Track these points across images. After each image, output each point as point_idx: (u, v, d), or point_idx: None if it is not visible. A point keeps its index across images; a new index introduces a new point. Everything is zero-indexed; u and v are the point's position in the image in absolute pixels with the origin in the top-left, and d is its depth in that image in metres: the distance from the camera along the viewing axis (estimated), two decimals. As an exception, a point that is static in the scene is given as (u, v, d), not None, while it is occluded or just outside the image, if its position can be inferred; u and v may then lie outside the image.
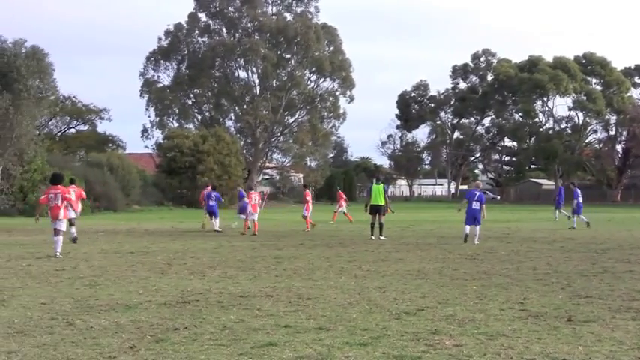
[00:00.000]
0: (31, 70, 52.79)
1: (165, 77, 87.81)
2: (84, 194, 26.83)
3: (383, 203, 25.76)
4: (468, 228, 23.81)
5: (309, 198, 33.21)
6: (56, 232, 19.14)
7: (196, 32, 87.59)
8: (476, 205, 23.98)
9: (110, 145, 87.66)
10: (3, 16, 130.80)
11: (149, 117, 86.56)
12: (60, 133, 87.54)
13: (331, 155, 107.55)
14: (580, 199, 33.76)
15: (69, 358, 7.66)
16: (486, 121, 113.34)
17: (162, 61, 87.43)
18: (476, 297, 11.61)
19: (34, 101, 54.15)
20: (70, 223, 23.35)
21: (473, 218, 23.94)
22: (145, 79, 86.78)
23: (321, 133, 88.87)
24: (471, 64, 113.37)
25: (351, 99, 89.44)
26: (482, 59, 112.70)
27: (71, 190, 24.38)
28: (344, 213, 39.05)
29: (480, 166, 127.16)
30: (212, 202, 31.30)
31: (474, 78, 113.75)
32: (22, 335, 8.77)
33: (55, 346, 8.15)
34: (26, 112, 52.62)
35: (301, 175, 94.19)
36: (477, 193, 24.37)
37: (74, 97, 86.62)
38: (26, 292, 12.27)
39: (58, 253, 18.76)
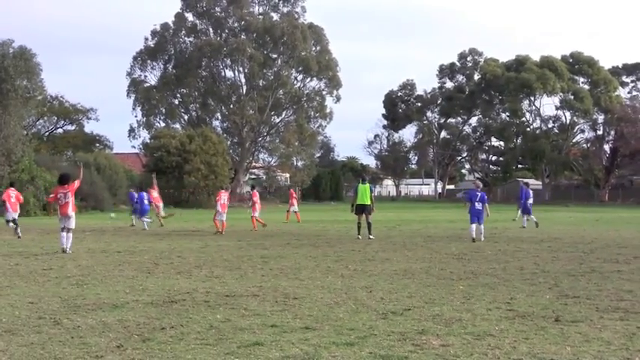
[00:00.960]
0: (18, 70, 52.69)
1: (152, 77, 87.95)
2: (21, 198, 28.83)
3: (369, 203, 25.89)
4: (474, 227, 24.13)
5: (256, 198, 33.05)
6: (64, 229, 19.94)
7: (183, 32, 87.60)
8: (479, 206, 24.52)
9: (97, 144, 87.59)
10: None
11: (136, 117, 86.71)
12: (47, 133, 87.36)
13: (318, 155, 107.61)
14: (531, 200, 33.89)
15: (56, 357, 7.65)
16: (473, 121, 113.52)
17: (149, 61, 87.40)
18: (463, 297, 11.64)
19: (22, 101, 54.06)
20: (15, 222, 26.71)
21: (477, 218, 24.38)
22: (131, 79, 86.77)
23: (307, 133, 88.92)
24: (458, 64, 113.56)
25: (338, 99, 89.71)
26: (469, 59, 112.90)
27: (11, 192, 27.47)
28: (295, 212, 39.81)
29: (467, 166, 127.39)
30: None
31: (460, 77, 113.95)
32: (9, 334, 8.76)
33: (43, 345, 8.15)
34: (14, 112, 52.51)
35: (287, 175, 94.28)
36: (479, 194, 24.93)
37: (61, 97, 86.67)
38: (14, 292, 12.26)
39: (67, 249, 19.72)
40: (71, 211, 20.15)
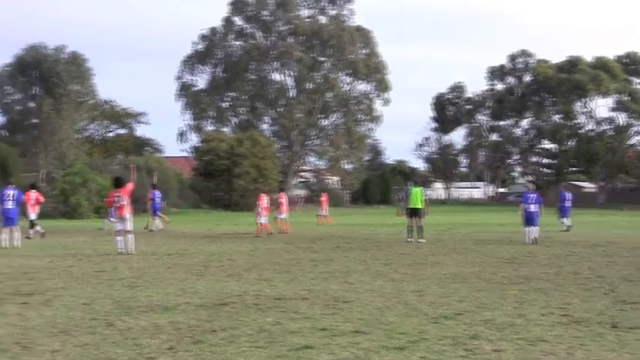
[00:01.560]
0: (71, 75, 53.64)
1: (201, 81, 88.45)
2: (41, 198, 29.10)
3: (421, 206, 25.73)
4: (527, 230, 23.94)
5: (282, 200, 32.96)
6: (120, 232, 20.40)
7: (231, 36, 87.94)
8: (532, 208, 24.38)
9: (148, 148, 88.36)
10: (44, 23, 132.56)
11: (186, 120, 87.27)
12: (99, 137, 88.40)
13: (367, 158, 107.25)
14: (568, 203, 33.35)
15: (110, 358, 7.73)
16: (524, 123, 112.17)
17: (198, 65, 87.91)
18: (515, 302, 11.49)
19: (74, 106, 55.03)
20: (33, 224, 27.88)
21: (531, 220, 24.13)
22: (181, 83, 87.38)
23: (356, 136, 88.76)
24: (508, 65, 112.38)
25: (387, 102, 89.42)
26: (519, 60, 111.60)
27: (31, 194, 28.06)
28: (324, 216, 40.32)
29: (519, 169, 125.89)
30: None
31: (511, 79, 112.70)
32: (64, 335, 8.88)
33: (97, 346, 8.24)
34: (67, 117, 53.45)
35: (337, 179, 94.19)
36: (532, 195, 24.75)
37: (113, 101, 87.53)
38: (68, 293, 12.42)
39: (130, 250, 20.20)
40: (127, 213, 20.49)
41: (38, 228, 28.56)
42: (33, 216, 28.42)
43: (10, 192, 23.81)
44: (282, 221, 31.96)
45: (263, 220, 29.73)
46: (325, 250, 21.90)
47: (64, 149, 52.90)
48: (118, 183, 21.24)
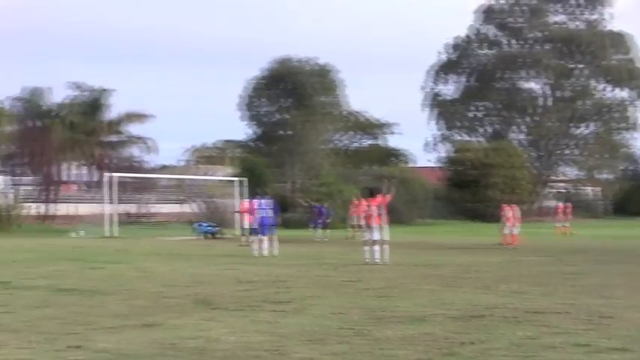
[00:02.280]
0: (322, 87, 55.34)
1: (450, 90, 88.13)
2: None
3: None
4: None
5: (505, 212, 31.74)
6: (374, 241, 20.50)
7: (481, 44, 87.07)
8: None
9: (397, 158, 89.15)
10: (295, 36, 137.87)
11: (435, 131, 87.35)
12: (349, 147, 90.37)
13: (621, 168, 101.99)
14: None
15: (360, 367, 7.83)
16: None
17: (446, 75, 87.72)
18: None
19: (325, 117, 56.70)
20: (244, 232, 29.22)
21: None
22: (429, 93, 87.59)
23: (611, 145, 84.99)
24: None
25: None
26: None
27: (245, 203, 29.87)
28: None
29: None
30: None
31: None
32: (316, 343, 9.05)
33: (347, 355, 8.34)
34: (318, 128, 55.18)
35: (592, 189, 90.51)
36: None
37: (362, 112, 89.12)
38: (323, 302, 12.66)
39: (377, 260, 20.23)
40: (384, 223, 20.66)
41: (243, 239, 29.83)
42: (247, 224, 29.53)
43: (265, 202, 24.69)
44: (509, 235, 30.89)
45: (507, 230, 29.33)
46: (580, 263, 21.10)
47: (315, 160, 54.65)
48: (371, 193, 21.54)
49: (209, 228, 36.60)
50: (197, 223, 37.97)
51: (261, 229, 24.02)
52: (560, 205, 43.07)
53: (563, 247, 28.69)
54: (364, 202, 21.27)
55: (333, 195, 50.15)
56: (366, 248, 20.65)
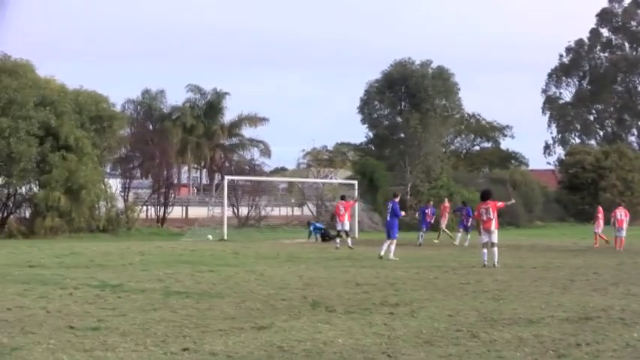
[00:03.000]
0: (437, 89, 55.08)
1: (567, 93, 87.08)
2: (345, 208, 30.43)
3: None
4: None
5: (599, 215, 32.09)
6: (486, 244, 20.54)
7: (598, 47, 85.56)
8: None
9: (513, 161, 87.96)
10: (411, 39, 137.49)
11: (551, 133, 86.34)
12: (464, 151, 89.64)
13: None
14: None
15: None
16: None
17: (563, 78, 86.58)
18: None
19: (441, 120, 56.40)
20: (341, 234, 29.98)
21: None
22: (546, 96, 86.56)
23: None
24: None
25: None
26: None
27: (340, 205, 30.50)
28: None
29: None
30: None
31: None
32: (429, 345, 9.12)
33: (460, 357, 8.42)
34: (433, 131, 54.94)
35: None
36: None
37: (478, 115, 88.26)
38: (433, 304, 12.68)
39: (494, 263, 20.14)
40: (494, 227, 20.60)
41: (337, 240, 30.18)
42: (339, 226, 30.20)
43: (390, 205, 24.60)
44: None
45: (619, 233, 29.02)
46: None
47: (430, 163, 54.34)
48: (486, 196, 21.45)
49: (322, 228, 36.79)
50: (312, 224, 38.24)
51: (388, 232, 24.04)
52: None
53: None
54: (482, 205, 21.04)
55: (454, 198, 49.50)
56: (485, 251, 20.48)
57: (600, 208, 33.39)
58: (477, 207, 21.98)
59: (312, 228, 37.13)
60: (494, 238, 20.66)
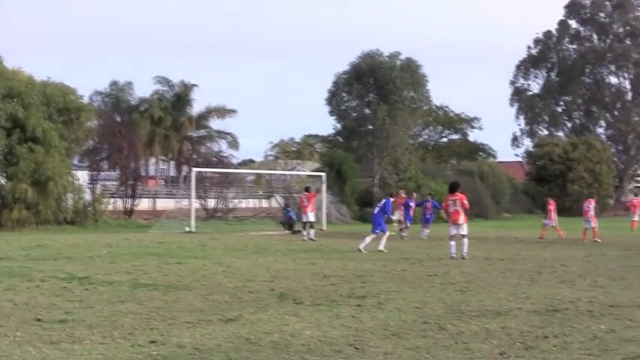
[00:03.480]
0: (405, 81, 55.14)
1: (535, 85, 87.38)
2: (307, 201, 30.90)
3: None
4: None
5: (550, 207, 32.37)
6: (453, 236, 20.65)
7: (566, 39, 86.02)
8: None
9: (481, 153, 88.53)
10: (379, 30, 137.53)
11: (519, 125, 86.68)
12: (432, 143, 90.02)
13: None
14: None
15: (441, 361, 7.88)
16: None
17: (531, 69, 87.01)
18: None
19: (409, 111, 56.50)
20: (311, 225, 30.20)
21: None
22: (514, 88, 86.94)
23: None
24: None
25: None
26: None
27: (303, 197, 31.25)
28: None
29: None
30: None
31: None
32: (397, 337, 9.15)
33: (428, 350, 8.43)
34: (401, 123, 55.06)
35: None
36: None
37: (446, 106, 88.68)
38: (401, 297, 12.71)
39: (463, 255, 20.27)
40: (462, 220, 20.76)
41: (304, 232, 30.33)
42: (304, 218, 30.63)
43: (384, 201, 24.43)
44: (548, 227, 31.58)
45: (587, 225, 29.48)
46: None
47: (398, 155, 54.52)
48: (454, 188, 21.55)
49: (293, 216, 36.87)
50: (286, 210, 38.40)
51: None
52: (633, 199, 41.67)
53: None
54: (450, 197, 21.16)
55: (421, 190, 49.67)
56: (452, 243, 20.58)
57: (551, 201, 33.63)
58: (444, 199, 22.13)
59: (291, 214, 37.28)
60: (463, 230, 20.79)
